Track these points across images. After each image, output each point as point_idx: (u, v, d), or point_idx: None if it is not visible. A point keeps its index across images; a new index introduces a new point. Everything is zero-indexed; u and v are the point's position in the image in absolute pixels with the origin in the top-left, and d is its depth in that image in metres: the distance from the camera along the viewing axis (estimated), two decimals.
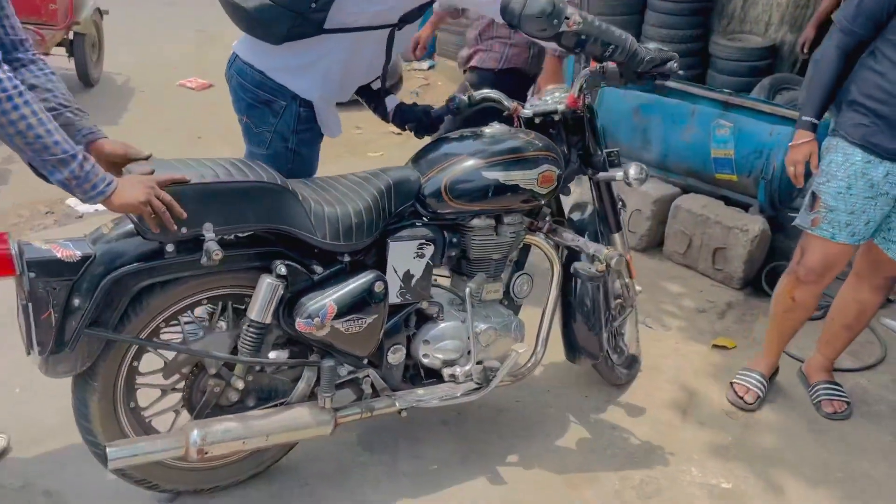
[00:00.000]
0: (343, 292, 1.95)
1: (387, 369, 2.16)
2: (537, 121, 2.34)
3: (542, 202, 2.26)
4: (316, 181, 2.09)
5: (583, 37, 2.03)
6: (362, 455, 2.39)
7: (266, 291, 1.88)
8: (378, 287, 1.99)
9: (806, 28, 4.80)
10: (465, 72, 3.24)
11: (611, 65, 2.23)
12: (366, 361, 2.13)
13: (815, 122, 2.48)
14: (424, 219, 2.13)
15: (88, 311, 1.71)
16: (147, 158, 1.86)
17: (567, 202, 2.55)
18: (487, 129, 2.22)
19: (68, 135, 1.67)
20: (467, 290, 2.19)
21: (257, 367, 2.03)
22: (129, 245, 1.78)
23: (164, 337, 1.98)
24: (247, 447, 1.94)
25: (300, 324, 1.91)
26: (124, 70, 6.61)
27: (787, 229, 3.77)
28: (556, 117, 2.32)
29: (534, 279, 2.40)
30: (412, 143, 2.57)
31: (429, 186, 2.10)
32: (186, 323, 2.02)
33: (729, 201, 3.79)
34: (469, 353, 2.20)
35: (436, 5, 2.64)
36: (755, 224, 3.56)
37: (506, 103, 2.36)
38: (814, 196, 2.45)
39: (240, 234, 1.89)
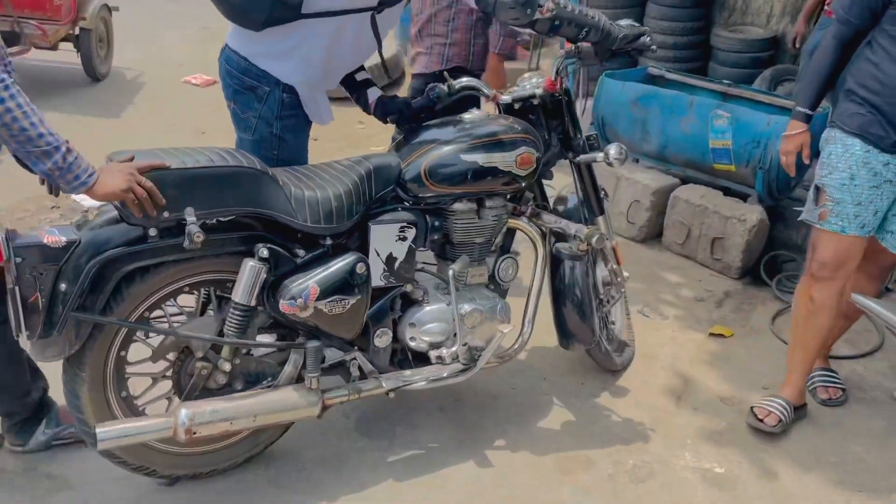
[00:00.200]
0: (326, 274, 2.00)
1: (374, 353, 2.20)
2: (517, 106, 2.38)
3: (523, 185, 2.30)
4: (298, 169, 2.15)
5: (556, 22, 2.09)
6: (360, 441, 2.43)
7: (249, 274, 1.93)
8: (360, 268, 2.04)
9: (797, 23, 4.80)
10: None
11: (585, 44, 2.27)
12: (354, 346, 2.18)
13: (809, 112, 2.46)
14: (406, 203, 2.18)
15: (74, 295, 1.77)
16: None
17: (552, 193, 2.59)
18: (466, 116, 2.28)
19: None
20: (450, 271, 2.23)
21: (244, 351, 2.08)
22: (114, 231, 1.84)
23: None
24: (234, 428, 1.98)
25: (284, 305, 1.96)
26: (134, 66, 6.69)
27: (787, 219, 3.78)
28: (535, 102, 2.37)
29: (520, 264, 2.43)
30: None
31: (409, 171, 2.15)
32: (172, 316, 2.07)
33: (728, 192, 3.80)
34: (455, 335, 2.24)
35: None
36: (753, 214, 3.57)
37: (485, 91, 2.41)
38: (818, 189, 2.40)
39: (221, 219, 1.94)
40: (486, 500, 2.23)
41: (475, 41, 3.09)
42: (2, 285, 1.83)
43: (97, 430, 1.84)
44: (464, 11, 3.04)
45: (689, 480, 2.36)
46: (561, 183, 2.71)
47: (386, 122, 2.44)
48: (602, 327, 2.69)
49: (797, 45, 4.72)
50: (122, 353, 1.97)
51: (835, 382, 2.78)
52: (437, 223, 2.22)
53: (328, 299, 1.99)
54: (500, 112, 2.41)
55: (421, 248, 2.24)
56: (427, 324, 2.23)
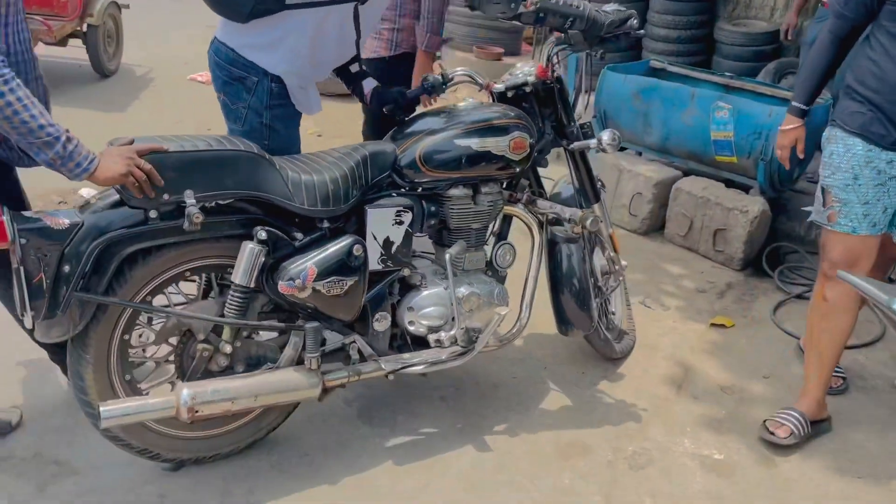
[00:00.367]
0: (323, 255, 2.04)
1: (373, 336, 2.24)
2: (509, 94, 2.41)
3: (517, 170, 2.32)
4: (295, 156, 2.19)
5: (541, 14, 2.13)
6: (361, 428, 2.45)
7: (248, 256, 1.97)
8: (357, 250, 2.08)
9: (788, 14, 4.80)
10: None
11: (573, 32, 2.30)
12: (353, 330, 2.21)
13: (804, 108, 2.45)
14: (403, 189, 2.22)
15: (77, 276, 1.81)
16: None
17: (548, 184, 2.61)
18: (461, 104, 2.32)
19: None
20: (447, 255, 2.26)
21: (245, 334, 2.11)
22: (115, 213, 1.88)
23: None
24: (235, 407, 2.01)
25: (282, 286, 2.00)
26: (143, 63, 6.75)
27: (789, 210, 3.80)
28: (528, 89, 2.39)
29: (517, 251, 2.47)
30: None
31: (405, 157, 2.19)
32: (175, 305, 2.11)
33: (730, 183, 3.81)
34: (453, 319, 2.27)
35: None
36: (755, 205, 3.58)
37: (478, 80, 2.43)
38: (823, 191, 2.36)
39: (220, 202, 1.98)
40: (487, 485, 2.25)
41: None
42: (6, 266, 1.87)
43: (101, 408, 1.87)
44: None
45: (688, 467, 2.38)
46: (558, 174, 2.73)
47: (382, 111, 2.47)
48: (602, 315, 2.71)
49: (788, 37, 4.73)
50: (126, 337, 2.00)
51: (836, 372, 2.79)
52: (433, 208, 2.25)
53: (326, 280, 2.03)
54: (493, 101, 2.43)
55: (418, 234, 2.27)
56: (425, 308, 2.26)
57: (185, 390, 1.95)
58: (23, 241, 1.76)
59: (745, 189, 3.76)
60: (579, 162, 2.53)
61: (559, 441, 2.45)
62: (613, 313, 2.87)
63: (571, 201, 2.54)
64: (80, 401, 2.01)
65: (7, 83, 1.69)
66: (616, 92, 4.11)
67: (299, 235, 2.07)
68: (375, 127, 2.80)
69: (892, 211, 2.35)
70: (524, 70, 2.40)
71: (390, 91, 2.46)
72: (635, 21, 2.32)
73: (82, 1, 5.71)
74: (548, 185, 2.63)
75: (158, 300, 2.07)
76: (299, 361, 2.14)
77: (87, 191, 3.86)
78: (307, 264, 2.02)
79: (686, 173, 3.97)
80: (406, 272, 2.27)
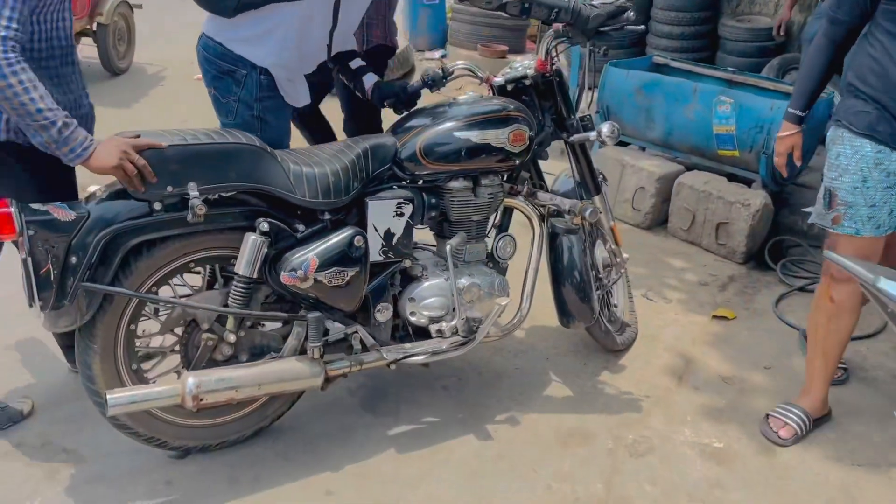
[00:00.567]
0: (325, 246, 2.08)
1: (375, 327, 2.27)
2: (509, 88, 2.44)
3: (517, 162, 2.35)
4: (296, 149, 2.23)
5: (526, 4, 2.16)
6: (365, 417, 2.49)
7: (251, 247, 2.01)
8: (358, 241, 2.11)
9: (781, 11, 4.81)
10: None
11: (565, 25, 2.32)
12: (355, 320, 2.24)
13: (801, 114, 2.39)
14: (404, 181, 2.25)
15: (84, 267, 1.85)
16: None
17: (549, 178, 2.64)
18: (461, 98, 2.36)
19: None
20: (448, 247, 2.29)
21: (248, 323, 2.15)
22: (121, 205, 1.92)
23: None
24: (239, 396, 2.05)
25: (285, 277, 2.03)
26: (155, 62, 6.81)
27: (791, 204, 3.81)
28: (528, 82, 2.42)
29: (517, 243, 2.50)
30: None
31: (405, 150, 2.23)
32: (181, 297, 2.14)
33: (733, 177, 3.83)
34: (454, 310, 2.30)
35: None
36: (757, 198, 3.60)
37: (478, 74, 2.46)
38: (830, 193, 2.30)
39: (223, 194, 2.02)
40: (488, 472, 2.28)
41: (390, 14, 3.15)
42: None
43: (108, 396, 1.91)
44: None
45: (688, 455, 2.40)
46: (559, 169, 2.76)
47: (383, 106, 2.50)
48: (604, 307, 2.73)
49: (781, 33, 4.73)
50: (132, 327, 2.04)
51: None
52: (433, 201, 2.28)
53: (327, 271, 2.06)
54: (493, 94, 2.46)
55: (419, 226, 2.30)
56: (426, 299, 2.29)
57: (191, 379, 1.98)
58: (30, 232, 1.81)
59: (748, 183, 3.78)
60: (580, 155, 2.55)
61: (560, 430, 2.47)
62: (615, 305, 2.89)
63: (572, 194, 2.56)
64: (87, 389, 2.05)
65: (11, 66, 1.77)
66: (619, 87, 4.13)
67: (301, 227, 2.10)
68: (354, 125, 2.82)
69: None
70: (523, 63, 2.43)
71: (391, 86, 2.50)
72: (632, 14, 2.33)
73: (91, 0, 5.79)
74: (549, 180, 2.66)
75: (164, 291, 2.11)
76: (302, 351, 2.18)
77: (95, 186, 3.92)
78: (309, 255, 2.05)
79: (689, 168, 3.98)
80: (407, 263, 2.30)
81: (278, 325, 2.22)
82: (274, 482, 2.19)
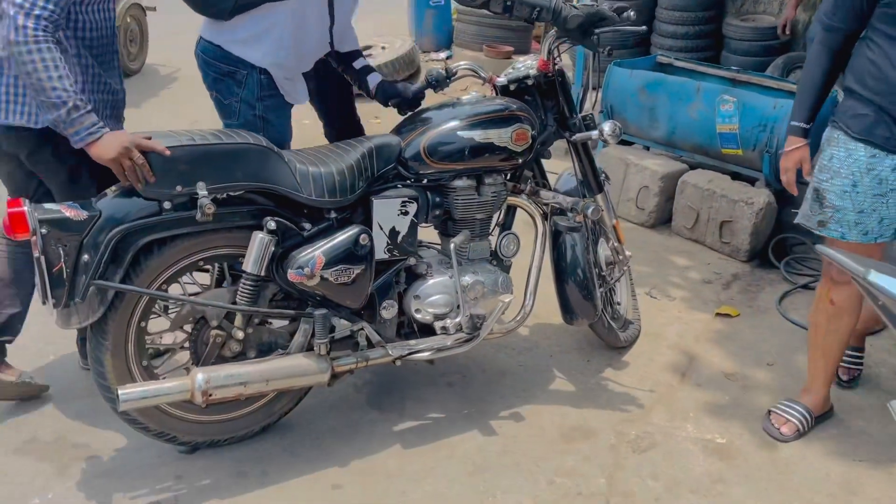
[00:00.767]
0: (331, 244, 2.12)
1: (380, 324, 2.31)
2: (512, 87, 2.47)
3: (520, 161, 2.38)
4: (302, 150, 2.27)
5: (508, 2, 2.20)
6: (370, 413, 2.52)
7: (259, 245, 2.05)
8: (363, 239, 2.15)
9: (785, 9, 4.81)
10: None
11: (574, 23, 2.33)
12: (361, 317, 2.28)
13: (805, 126, 2.32)
14: (408, 180, 2.29)
15: (96, 265, 1.90)
16: None
17: (552, 178, 2.66)
18: (464, 98, 2.40)
19: None
20: (451, 244, 2.33)
21: (256, 320, 2.19)
22: (132, 205, 1.97)
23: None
24: (248, 391, 2.09)
25: (292, 274, 2.07)
26: (169, 63, 6.87)
27: (795, 202, 3.81)
28: (530, 82, 2.45)
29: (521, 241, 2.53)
30: None
31: (409, 149, 2.27)
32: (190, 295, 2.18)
33: (737, 176, 3.84)
34: (459, 307, 2.33)
35: None
36: (760, 197, 3.62)
37: (481, 74, 2.50)
38: (818, 193, 2.28)
39: (231, 194, 2.06)
40: (492, 467, 2.31)
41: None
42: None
43: (119, 391, 1.95)
44: None
45: (691, 450, 2.42)
46: (561, 168, 2.79)
47: (387, 105, 2.54)
48: (607, 304, 2.76)
49: (786, 32, 4.73)
50: (143, 325, 2.08)
51: (856, 364, 2.76)
52: (437, 199, 2.32)
53: (333, 268, 2.10)
54: (496, 94, 2.49)
55: (423, 224, 2.33)
56: (431, 296, 2.32)
57: (200, 374, 2.02)
58: (44, 231, 1.85)
59: (751, 181, 3.79)
60: (582, 153, 2.58)
61: (563, 426, 2.50)
62: (619, 303, 2.92)
63: (575, 192, 2.59)
64: (99, 385, 2.09)
65: (37, 42, 1.87)
66: (623, 87, 4.16)
67: (307, 225, 2.14)
68: (333, 132, 2.84)
69: (892, 223, 2.25)
70: (526, 63, 2.47)
71: (394, 85, 2.54)
72: (632, 14, 2.36)
73: None
74: (552, 179, 2.69)
75: (173, 289, 2.15)
76: (309, 348, 2.21)
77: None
78: (315, 253, 2.09)
79: (692, 167, 4.00)
80: (412, 261, 2.34)
81: (285, 322, 2.25)
82: (281, 477, 2.23)
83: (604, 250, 2.71)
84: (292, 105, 2.49)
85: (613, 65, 4.24)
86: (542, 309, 2.69)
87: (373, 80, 2.58)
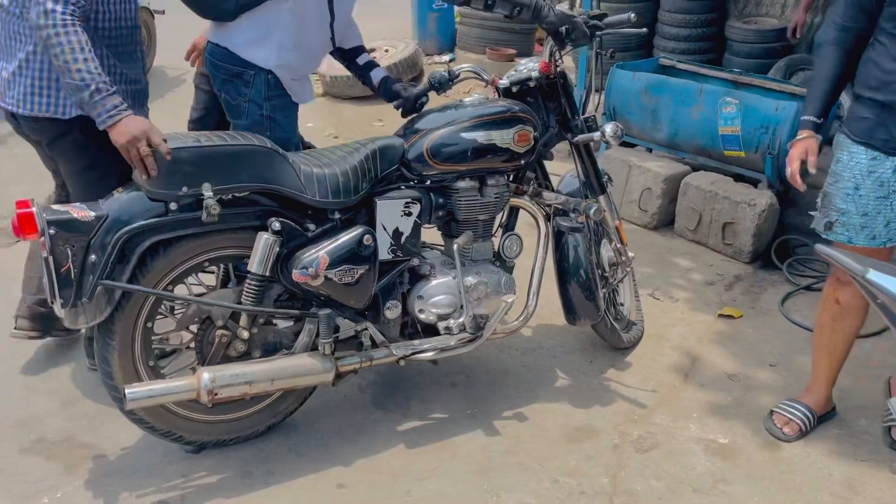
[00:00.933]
0: (335, 245, 2.15)
1: (384, 324, 2.33)
2: (514, 90, 2.50)
3: (522, 162, 2.40)
4: (307, 151, 2.31)
5: (490, 1, 2.22)
6: (375, 413, 2.54)
7: (263, 246, 2.08)
8: (367, 240, 2.17)
9: (796, 13, 4.81)
10: None
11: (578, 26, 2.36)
12: (365, 317, 2.30)
13: (817, 121, 2.30)
14: (412, 182, 2.31)
15: (103, 265, 1.92)
16: None
17: (555, 179, 2.68)
18: (466, 100, 2.42)
19: None
20: (455, 245, 2.35)
21: (261, 320, 2.21)
22: (138, 206, 2.00)
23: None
24: (253, 390, 2.11)
25: (296, 274, 2.10)
26: (178, 65, 6.90)
27: (797, 204, 3.83)
28: (532, 84, 2.47)
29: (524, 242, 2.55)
30: None
31: (412, 151, 2.29)
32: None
33: (740, 178, 3.86)
34: (462, 307, 2.35)
35: None
36: (762, 198, 3.63)
37: (483, 76, 2.52)
38: (825, 197, 2.31)
39: (237, 195, 2.08)
40: (496, 467, 2.32)
41: None
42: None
43: (126, 390, 1.97)
44: None
45: (693, 450, 2.43)
46: (564, 169, 2.81)
47: (390, 101, 2.57)
48: (610, 305, 2.77)
49: (797, 35, 4.74)
50: (149, 325, 2.10)
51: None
52: (440, 200, 2.34)
53: (337, 269, 2.12)
54: (498, 96, 2.51)
55: (427, 225, 2.36)
56: (434, 296, 2.34)
57: (206, 374, 2.04)
58: (52, 232, 1.87)
59: (754, 183, 3.81)
60: (584, 155, 2.60)
61: (567, 426, 2.51)
62: (622, 304, 2.93)
63: (577, 193, 2.61)
64: (106, 385, 2.12)
65: (65, 25, 1.95)
66: (625, 89, 4.17)
67: (312, 226, 2.17)
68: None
69: None
70: (528, 66, 2.49)
71: (396, 83, 2.57)
72: (633, 16, 2.38)
73: None
74: (554, 181, 2.71)
75: (179, 289, 2.17)
76: (314, 348, 2.23)
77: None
78: (319, 254, 2.11)
79: (695, 168, 4.02)
80: (415, 262, 2.36)
81: (290, 322, 2.27)
82: (286, 476, 2.25)
83: (606, 251, 2.73)
84: (297, 105, 2.51)
85: (616, 67, 4.26)
86: (545, 310, 2.71)
87: (376, 75, 2.62)
